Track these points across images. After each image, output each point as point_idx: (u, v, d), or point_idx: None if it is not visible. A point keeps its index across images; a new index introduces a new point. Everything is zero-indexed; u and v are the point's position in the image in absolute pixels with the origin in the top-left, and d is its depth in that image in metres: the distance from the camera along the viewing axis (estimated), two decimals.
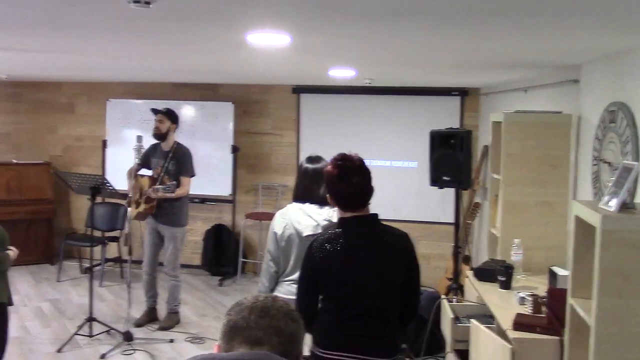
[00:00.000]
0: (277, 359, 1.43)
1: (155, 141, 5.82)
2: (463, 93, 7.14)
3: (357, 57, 4.24)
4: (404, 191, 7.29)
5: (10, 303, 4.03)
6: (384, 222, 2.80)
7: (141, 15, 2.63)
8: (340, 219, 2.79)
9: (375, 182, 2.76)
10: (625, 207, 2.48)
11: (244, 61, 4.70)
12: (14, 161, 8.15)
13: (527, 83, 5.30)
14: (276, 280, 3.41)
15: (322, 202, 3.31)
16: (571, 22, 2.61)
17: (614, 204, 2.47)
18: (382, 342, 2.72)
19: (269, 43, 3.40)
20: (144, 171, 5.78)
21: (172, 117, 5.77)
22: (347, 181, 2.69)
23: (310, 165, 3.46)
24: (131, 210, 5.71)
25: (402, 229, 2.86)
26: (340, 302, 2.71)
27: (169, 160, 5.68)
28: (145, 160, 5.81)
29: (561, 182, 4.35)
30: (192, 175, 5.79)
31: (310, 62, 4.72)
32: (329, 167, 2.77)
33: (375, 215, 2.76)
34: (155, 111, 5.80)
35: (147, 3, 2.17)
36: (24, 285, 7.10)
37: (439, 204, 6.99)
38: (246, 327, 1.48)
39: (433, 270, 6.92)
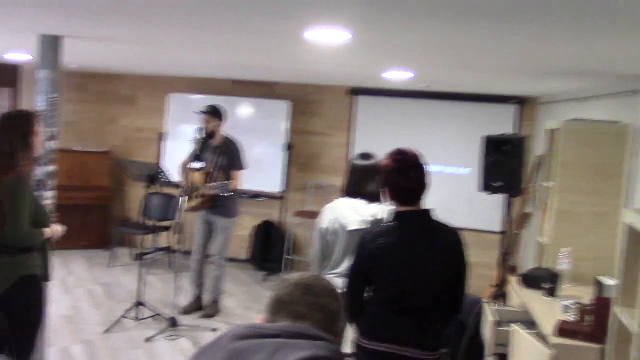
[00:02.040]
0: (317, 333, 1.49)
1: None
2: (520, 101, 7.05)
3: (415, 57, 4.25)
4: (455, 197, 7.22)
5: (47, 279, 3.64)
6: None
7: (203, 4, 2.72)
8: (396, 213, 2.79)
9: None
10: None
11: (301, 59, 4.77)
12: (75, 148, 8.47)
13: (584, 93, 5.21)
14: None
15: (370, 198, 3.35)
16: (633, 28, 2.57)
17: None
18: (429, 336, 2.72)
19: (329, 40, 3.41)
20: (195, 164, 5.87)
21: (217, 114, 5.80)
22: (405, 174, 2.72)
23: (359, 162, 3.50)
24: (185, 202, 5.78)
25: None
26: (392, 294, 2.71)
27: (220, 155, 5.77)
28: (195, 154, 5.87)
29: (615, 192, 4.27)
30: (243, 168, 5.88)
31: (367, 62, 4.75)
32: (387, 161, 2.78)
33: (430, 210, 2.78)
34: (200, 112, 5.84)
35: None
36: (78, 268, 7.37)
37: (490, 213, 6.91)
38: (290, 302, 1.55)
39: (479, 278, 6.76)
